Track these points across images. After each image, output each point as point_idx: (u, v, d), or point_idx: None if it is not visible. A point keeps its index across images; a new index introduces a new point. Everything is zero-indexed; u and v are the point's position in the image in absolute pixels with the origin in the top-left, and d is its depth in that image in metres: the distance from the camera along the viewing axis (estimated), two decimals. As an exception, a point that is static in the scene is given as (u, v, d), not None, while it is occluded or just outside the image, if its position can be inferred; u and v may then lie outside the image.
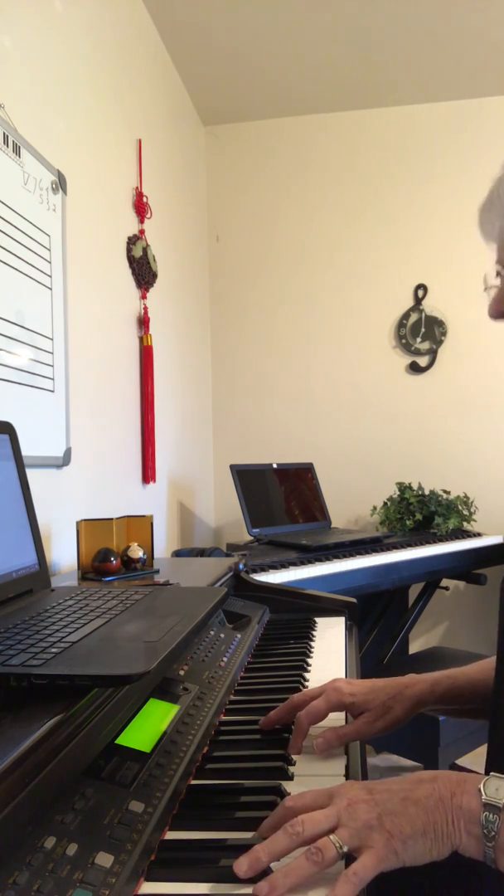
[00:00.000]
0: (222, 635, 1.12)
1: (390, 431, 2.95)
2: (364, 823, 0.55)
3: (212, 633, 1.11)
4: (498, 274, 0.76)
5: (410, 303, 2.94)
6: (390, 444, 2.94)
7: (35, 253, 1.45)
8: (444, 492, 2.62)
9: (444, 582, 2.66)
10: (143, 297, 2.15)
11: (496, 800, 0.56)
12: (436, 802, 0.56)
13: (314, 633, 1.28)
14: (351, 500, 2.91)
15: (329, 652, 1.17)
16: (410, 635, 2.86)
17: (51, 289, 1.53)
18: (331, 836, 0.54)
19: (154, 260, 2.21)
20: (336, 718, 0.83)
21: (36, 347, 1.45)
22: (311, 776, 0.72)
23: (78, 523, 1.40)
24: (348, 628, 1.32)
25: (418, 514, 2.55)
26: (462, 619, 2.95)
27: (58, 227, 1.57)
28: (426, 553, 2.23)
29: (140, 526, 1.51)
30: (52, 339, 1.53)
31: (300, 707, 0.80)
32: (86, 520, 1.41)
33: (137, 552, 1.39)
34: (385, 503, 2.67)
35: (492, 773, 0.58)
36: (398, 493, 2.66)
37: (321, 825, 0.55)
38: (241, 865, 0.53)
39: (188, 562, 1.70)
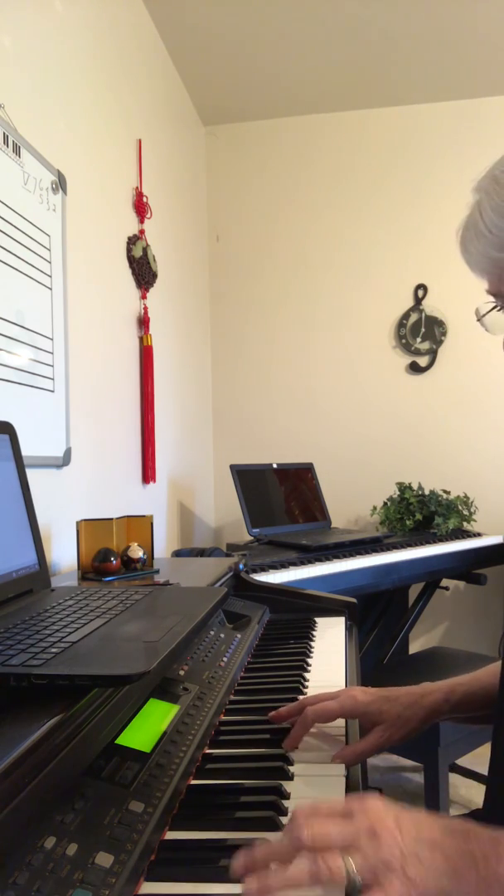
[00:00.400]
0: (222, 635, 1.12)
1: (390, 431, 2.95)
2: (384, 860, 0.49)
3: (212, 633, 1.11)
4: (497, 307, 0.74)
5: (410, 303, 2.94)
6: (390, 444, 2.94)
7: (35, 253, 1.45)
8: (444, 492, 2.62)
9: (444, 582, 2.65)
10: (143, 297, 2.15)
11: None
12: (468, 863, 0.50)
13: (314, 633, 1.28)
14: (351, 500, 2.91)
15: (329, 652, 1.17)
16: (410, 635, 2.85)
17: (51, 289, 1.53)
18: (346, 859, 0.49)
19: (154, 260, 2.21)
20: (337, 725, 0.83)
21: (36, 347, 1.45)
22: (311, 776, 0.72)
23: (78, 523, 1.40)
24: (348, 628, 1.32)
25: (418, 514, 2.55)
26: (462, 619, 2.95)
27: (58, 227, 1.57)
28: (426, 553, 2.23)
29: (140, 526, 1.51)
30: (52, 339, 1.53)
31: (310, 706, 0.79)
32: (86, 520, 1.41)
33: (137, 552, 1.39)
34: (385, 503, 2.67)
35: None
36: (398, 493, 2.66)
37: (332, 840, 0.50)
38: (238, 863, 0.51)
39: (188, 562, 1.70)
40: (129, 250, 2.06)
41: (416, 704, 0.81)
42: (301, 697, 0.84)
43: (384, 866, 0.48)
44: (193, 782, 0.70)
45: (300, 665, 1.08)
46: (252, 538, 2.31)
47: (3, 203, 1.33)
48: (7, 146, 1.35)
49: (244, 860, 0.51)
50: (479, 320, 0.75)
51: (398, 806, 0.53)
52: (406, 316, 2.93)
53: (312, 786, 0.70)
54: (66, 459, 1.58)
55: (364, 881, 0.48)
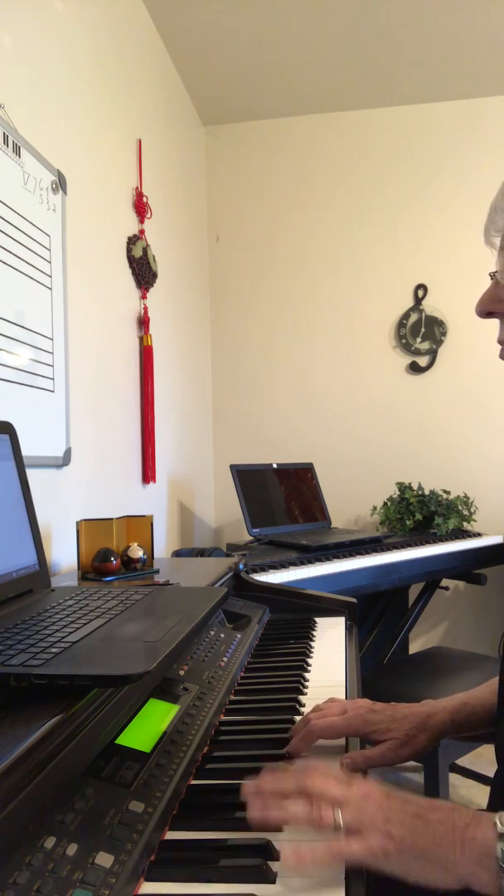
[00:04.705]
0: (222, 635, 1.12)
1: (390, 431, 2.95)
2: (369, 818, 0.57)
3: (212, 633, 1.11)
4: (492, 276, 0.75)
5: (410, 303, 2.94)
6: (390, 444, 2.94)
7: (35, 253, 1.45)
8: (444, 492, 2.62)
9: (444, 582, 2.65)
10: (143, 297, 2.15)
11: None
12: (447, 829, 0.56)
13: (314, 633, 1.28)
14: (351, 500, 2.91)
15: (329, 652, 1.17)
16: (410, 635, 2.86)
17: (51, 289, 1.53)
18: (337, 812, 0.57)
19: (154, 260, 2.21)
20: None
21: (36, 347, 1.45)
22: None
23: (78, 523, 1.40)
24: (348, 628, 1.32)
25: (418, 514, 2.55)
26: (462, 619, 2.95)
27: (58, 227, 1.57)
28: (426, 553, 2.23)
29: (140, 526, 1.51)
30: (52, 339, 1.53)
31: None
32: (86, 520, 1.41)
33: (137, 552, 1.39)
34: (385, 503, 2.67)
35: None
36: (398, 493, 2.66)
37: (331, 795, 0.58)
38: (248, 787, 0.60)
39: (188, 562, 1.70)
40: (129, 250, 2.06)
41: (424, 725, 0.81)
42: (305, 712, 0.83)
43: (368, 822, 0.57)
44: (193, 782, 0.70)
45: (300, 665, 1.08)
46: (252, 538, 2.31)
47: (3, 203, 1.33)
48: (7, 146, 1.35)
49: (253, 786, 0.60)
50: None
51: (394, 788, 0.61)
52: (406, 316, 2.93)
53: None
54: (66, 459, 1.58)
55: (347, 830, 0.56)
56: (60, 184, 1.58)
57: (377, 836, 0.56)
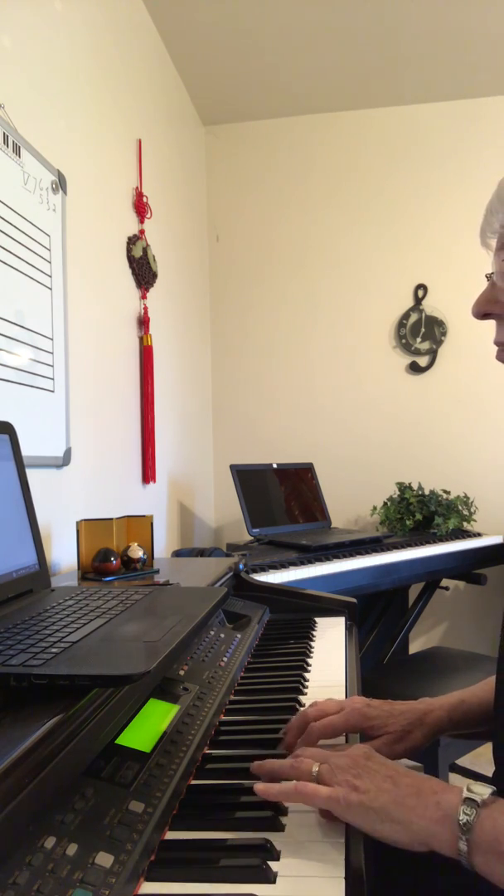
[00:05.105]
0: (222, 635, 1.12)
1: (390, 431, 2.95)
2: (341, 771, 0.62)
3: (212, 633, 1.11)
4: (488, 277, 0.76)
5: (410, 303, 2.94)
6: (390, 444, 2.94)
7: (35, 253, 1.45)
8: (444, 492, 2.62)
9: (444, 582, 2.65)
10: (143, 297, 2.15)
11: (477, 795, 0.56)
12: (415, 791, 0.59)
13: (314, 633, 1.28)
14: (351, 500, 2.91)
15: (329, 652, 1.17)
16: (410, 635, 2.85)
17: (51, 289, 1.53)
18: (315, 765, 0.64)
19: (154, 260, 2.21)
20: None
21: (36, 347, 1.45)
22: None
23: (78, 523, 1.40)
24: (348, 628, 1.32)
25: (418, 514, 2.55)
26: (462, 619, 2.95)
27: (58, 227, 1.57)
28: (426, 553, 2.23)
29: (140, 526, 1.51)
30: (52, 339, 1.53)
31: (314, 720, 0.79)
32: (86, 520, 1.41)
33: (137, 552, 1.39)
34: (385, 503, 2.67)
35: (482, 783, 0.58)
36: (398, 493, 2.66)
37: (314, 754, 0.67)
38: (255, 764, 0.68)
39: (188, 562, 1.70)
40: (129, 250, 2.06)
41: (420, 721, 0.81)
42: (302, 709, 0.83)
43: (339, 773, 0.62)
44: (193, 782, 0.70)
45: (300, 665, 1.08)
46: (252, 538, 2.31)
47: (3, 203, 1.33)
48: (7, 146, 1.35)
49: (259, 763, 0.68)
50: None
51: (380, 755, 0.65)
52: (406, 316, 2.93)
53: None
54: (66, 459, 1.58)
55: (319, 777, 0.62)
56: (60, 184, 1.58)
57: (344, 786, 0.60)
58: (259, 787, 0.62)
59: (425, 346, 2.91)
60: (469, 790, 0.57)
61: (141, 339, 2.14)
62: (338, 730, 0.78)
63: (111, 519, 1.42)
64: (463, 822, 0.54)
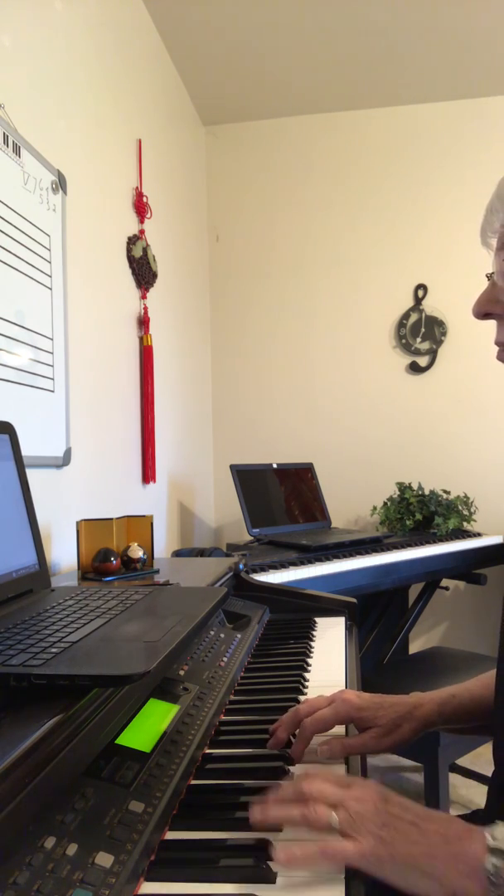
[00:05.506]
0: (222, 635, 1.12)
1: (390, 431, 2.95)
2: (364, 821, 0.56)
3: (212, 633, 1.11)
4: (488, 277, 0.75)
5: (410, 303, 2.94)
6: (390, 444, 2.94)
7: (35, 253, 1.45)
8: (444, 492, 2.62)
9: (444, 582, 2.65)
10: (143, 297, 2.15)
11: (502, 842, 0.54)
12: (441, 840, 0.55)
13: (314, 633, 1.28)
14: (351, 500, 2.91)
15: (329, 652, 1.17)
16: (410, 635, 2.85)
17: (51, 289, 1.53)
18: (332, 812, 0.57)
19: (154, 260, 2.21)
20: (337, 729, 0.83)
21: (36, 347, 1.45)
22: (311, 776, 0.72)
23: (78, 523, 1.40)
24: (348, 628, 1.32)
25: (418, 514, 2.55)
26: (462, 619, 2.95)
27: (58, 227, 1.57)
28: (426, 553, 2.23)
29: (140, 526, 1.51)
30: (52, 339, 1.53)
31: (306, 717, 0.79)
32: (86, 520, 1.41)
33: (137, 552, 1.39)
34: (385, 503, 2.67)
35: (498, 821, 0.56)
36: (398, 493, 2.66)
37: (326, 796, 0.59)
38: (254, 805, 0.60)
39: (188, 562, 1.70)
40: (129, 250, 2.06)
41: (410, 714, 0.81)
42: (293, 707, 0.83)
43: (363, 825, 0.56)
44: (193, 782, 0.70)
45: (300, 665, 1.08)
46: (252, 538, 2.30)
47: (3, 203, 1.33)
48: (7, 146, 1.35)
49: (259, 804, 0.60)
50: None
51: (393, 793, 0.61)
52: (406, 316, 2.93)
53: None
54: (66, 459, 1.58)
55: (342, 831, 0.56)
56: (60, 184, 1.58)
57: (371, 839, 0.55)
58: (281, 856, 0.55)
59: (425, 346, 2.91)
60: (493, 837, 0.55)
61: (141, 339, 2.14)
62: (328, 723, 0.79)
63: (111, 519, 1.42)
64: (492, 876, 0.53)
